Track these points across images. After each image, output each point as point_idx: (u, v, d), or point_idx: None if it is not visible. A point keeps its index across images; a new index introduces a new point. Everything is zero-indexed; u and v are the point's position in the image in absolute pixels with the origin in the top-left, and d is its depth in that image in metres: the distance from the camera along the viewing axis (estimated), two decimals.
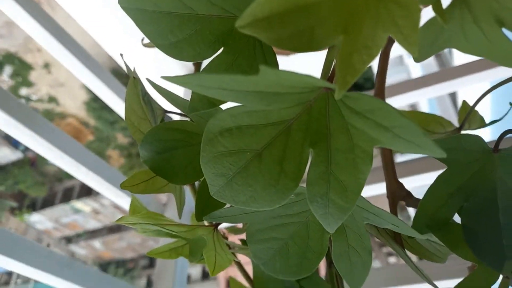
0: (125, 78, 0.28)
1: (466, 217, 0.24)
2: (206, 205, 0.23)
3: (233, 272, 0.36)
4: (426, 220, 0.24)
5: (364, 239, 0.21)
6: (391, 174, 0.28)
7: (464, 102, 0.38)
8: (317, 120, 0.16)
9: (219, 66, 0.19)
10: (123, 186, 0.23)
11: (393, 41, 0.29)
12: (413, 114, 0.38)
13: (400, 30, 0.12)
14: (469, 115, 0.33)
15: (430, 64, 1.25)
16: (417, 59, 0.17)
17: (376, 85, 0.28)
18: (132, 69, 0.26)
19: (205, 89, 0.14)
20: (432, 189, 0.24)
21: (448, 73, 0.55)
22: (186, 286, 0.53)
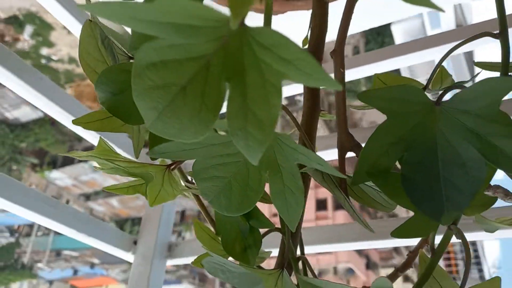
0: None
1: (406, 167, 0.25)
2: (155, 144, 0.24)
3: None
4: (367, 167, 0.25)
5: (297, 179, 0.23)
6: (342, 126, 0.29)
7: (442, 67, 0.37)
8: (233, 56, 0.17)
9: None
10: (76, 122, 0.25)
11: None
12: (389, 77, 0.38)
13: None
14: (433, 74, 0.33)
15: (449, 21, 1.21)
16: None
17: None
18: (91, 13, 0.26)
19: (120, 19, 0.15)
20: (373, 138, 0.25)
21: (464, 31, 0.54)
22: (171, 231, 0.56)
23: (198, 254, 0.55)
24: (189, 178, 0.33)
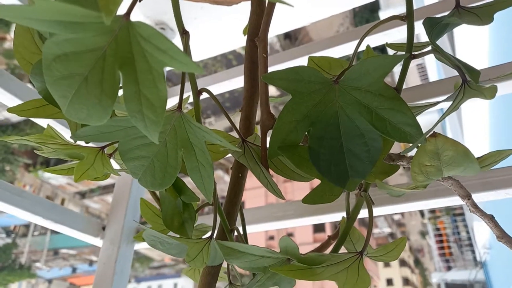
0: None
1: (312, 140, 0.28)
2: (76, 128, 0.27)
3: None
4: (278, 143, 0.28)
5: (206, 155, 0.25)
6: (264, 106, 0.31)
7: (367, 46, 0.40)
8: (123, 47, 0.20)
9: None
10: (10, 110, 0.27)
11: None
12: (322, 58, 0.40)
13: None
14: (355, 54, 0.36)
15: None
16: None
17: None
18: None
19: (18, 19, 0.18)
20: (281, 117, 0.27)
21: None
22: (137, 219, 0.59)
23: (84, 179, 0.59)
24: None
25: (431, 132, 0.25)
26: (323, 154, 0.27)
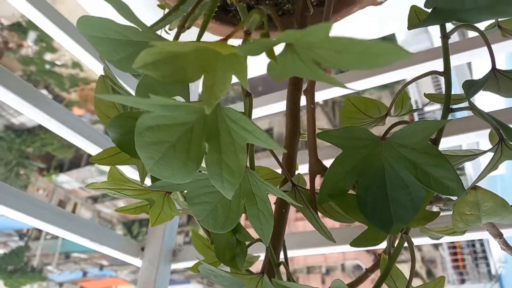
0: None
1: (360, 189, 0.30)
2: (155, 178, 0.30)
3: None
4: (328, 190, 0.31)
5: (267, 204, 0.28)
6: (312, 153, 0.34)
7: (403, 92, 0.43)
8: (210, 123, 0.23)
9: (151, 79, 0.26)
10: (93, 160, 0.31)
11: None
12: (358, 99, 0.43)
13: (237, 71, 0.19)
14: (393, 102, 0.39)
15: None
16: (275, 78, 0.23)
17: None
18: (102, 66, 0.32)
19: (136, 105, 0.21)
20: (332, 168, 0.30)
21: (466, 43, 0.57)
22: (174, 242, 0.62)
23: (160, 223, 0.62)
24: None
25: (472, 186, 0.28)
26: (369, 202, 0.30)
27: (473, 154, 0.34)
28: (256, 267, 0.44)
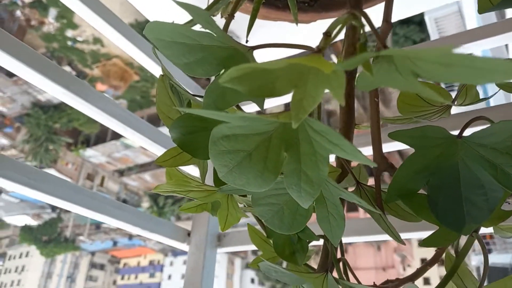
0: None
1: (431, 189, 0.29)
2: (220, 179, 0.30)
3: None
4: (397, 190, 0.30)
5: (339, 208, 0.28)
6: (377, 149, 0.33)
7: None
8: (290, 133, 0.22)
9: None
10: (158, 162, 0.30)
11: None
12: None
13: (332, 87, 0.17)
14: (459, 92, 0.36)
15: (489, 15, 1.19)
16: (363, 88, 0.21)
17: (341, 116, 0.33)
18: (160, 66, 0.32)
19: (218, 117, 0.20)
20: (403, 167, 0.29)
21: (504, 25, 0.54)
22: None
23: (243, 243, 0.62)
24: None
25: None
26: (441, 202, 0.29)
27: None
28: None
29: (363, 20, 0.20)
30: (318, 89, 0.18)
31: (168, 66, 0.35)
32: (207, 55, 0.24)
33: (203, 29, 0.24)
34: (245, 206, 0.37)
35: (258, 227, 0.41)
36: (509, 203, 0.34)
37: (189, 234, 0.62)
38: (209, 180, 0.35)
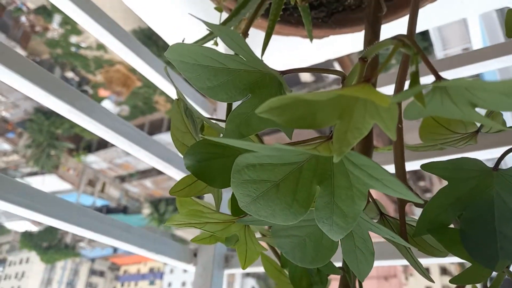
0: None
1: (464, 223, 0.27)
2: (239, 209, 0.28)
3: None
4: (427, 224, 0.28)
5: (367, 243, 0.26)
6: (401, 178, 0.31)
7: None
8: (323, 164, 0.20)
9: (247, 108, 0.23)
10: (172, 192, 0.29)
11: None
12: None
13: (382, 119, 0.16)
14: (484, 117, 0.35)
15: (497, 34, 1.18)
16: (412, 118, 0.20)
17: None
18: (175, 88, 0.30)
19: (236, 145, 0.19)
20: (434, 199, 0.27)
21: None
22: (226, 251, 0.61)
23: (251, 264, 0.60)
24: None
25: None
26: (474, 237, 0.27)
27: None
28: None
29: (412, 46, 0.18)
30: (366, 121, 0.16)
31: (177, 83, 0.33)
32: (233, 79, 0.22)
33: (228, 52, 0.22)
34: (261, 236, 0.35)
35: (270, 253, 0.39)
36: None
37: (195, 254, 0.60)
38: (222, 209, 0.33)
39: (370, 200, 0.33)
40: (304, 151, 0.19)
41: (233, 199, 0.29)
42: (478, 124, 0.37)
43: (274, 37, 0.72)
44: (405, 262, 0.49)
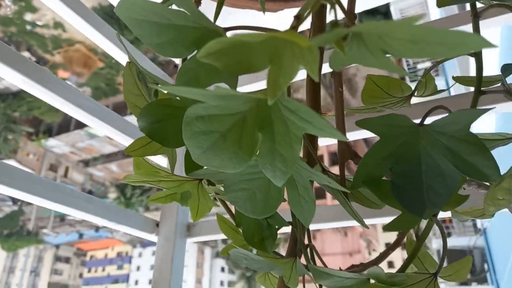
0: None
1: (395, 176, 0.30)
2: (192, 165, 0.30)
3: None
4: (363, 177, 0.31)
5: (309, 191, 0.28)
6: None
7: (428, 73, 0.42)
8: (263, 112, 0.22)
9: (194, 64, 0.25)
10: (127, 151, 0.30)
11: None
12: (381, 78, 0.42)
13: (307, 62, 0.18)
14: (419, 83, 0.38)
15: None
16: (335, 67, 0.22)
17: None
18: (127, 53, 0.31)
19: (184, 94, 0.20)
20: (369, 154, 0.30)
21: (465, 16, 0.55)
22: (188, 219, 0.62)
23: (214, 233, 0.62)
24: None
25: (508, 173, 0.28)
26: (404, 188, 0.30)
27: (506, 138, 0.34)
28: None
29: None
30: (293, 64, 0.18)
31: (133, 54, 0.34)
32: (180, 35, 0.24)
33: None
34: (215, 197, 0.37)
35: (226, 216, 0.41)
36: (464, 189, 0.36)
37: (157, 225, 0.62)
38: (178, 172, 0.35)
39: (317, 162, 0.35)
40: (246, 97, 0.21)
41: (187, 156, 0.31)
42: (413, 88, 0.40)
43: (233, 11, 0.73)
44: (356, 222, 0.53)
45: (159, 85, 0.26)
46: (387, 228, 0.33)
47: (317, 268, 0.31)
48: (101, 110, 0.54)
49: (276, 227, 0.37)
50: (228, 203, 0.39)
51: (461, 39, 0.15)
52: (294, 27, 0.19)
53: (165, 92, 0.34)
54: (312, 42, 0.16)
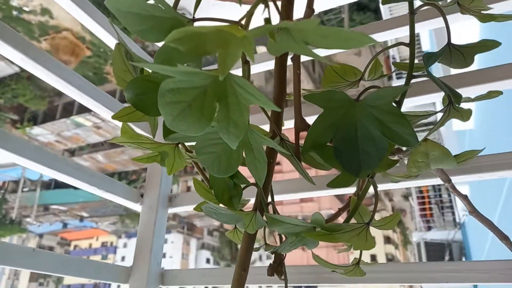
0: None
1: (336, 142, 0.37)
2: (168, 131, 0.36)
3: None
4: (311, 143, 0.38)
5: (262, 154, 0.35)
6: (297, 112, 0.41)
7: (376, 59, 0.49)
8: (220, 86, 0.28)
9: (168, 47, 0.31)
10: (115, 117, 0.36)
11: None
12: (339, 66, 0.49)
13: (246, 49, 0.24)
14: (367, 67, 0.45)
15: None
16: (273, 53, 0.28)
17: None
18: (117, 36, 0.37)
19: (165, 72, 0.27)
20: (314, 124, 0.37)
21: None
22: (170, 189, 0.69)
23: (193, 204, 0.68)
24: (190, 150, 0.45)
25: (423, 139, 0.35)
26: (343, 152, 0.37)
27: (428, 114, 0.41)
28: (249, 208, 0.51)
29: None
30: (237, 49, 0.24)
31: (123, 38, 0.40)
32: (157, 24, 0.30)
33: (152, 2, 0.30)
34: (192, 162, 0.44)
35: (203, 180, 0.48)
36: (400, 158, 0.43)
37: (142, 195, 0.68)
38: (158, 139, 0.41)
39: (278, 134, 0.42)
40: (206, 74, 0.27)
41: (164, 125, 0.37)
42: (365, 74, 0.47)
43: (216, 3, 0.79)
44: (318, 194, 0.60)
45: (141, 63, 0.32)
46: (330, 184, 0.40)
47: (271, 215, 0.38)
48: (95, 91, 0.60)
49: (241, 186, 0.43)
50: (201, 166, 0.46)
51: (353, 36, 0.22)
52: (240, 21, 0.25)
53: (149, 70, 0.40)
54: (247, 33, 0.23)
